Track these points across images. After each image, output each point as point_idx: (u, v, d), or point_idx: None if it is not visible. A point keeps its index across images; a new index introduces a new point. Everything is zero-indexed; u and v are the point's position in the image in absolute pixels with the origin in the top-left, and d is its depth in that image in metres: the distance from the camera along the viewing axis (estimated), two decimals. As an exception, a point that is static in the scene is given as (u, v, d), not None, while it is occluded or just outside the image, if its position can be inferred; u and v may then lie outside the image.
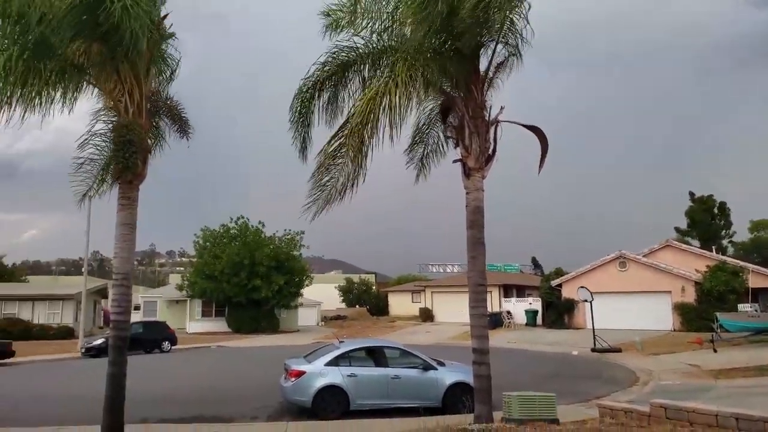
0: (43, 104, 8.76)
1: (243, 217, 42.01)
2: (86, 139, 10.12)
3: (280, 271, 39.65)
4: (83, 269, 34.05)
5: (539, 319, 38.96)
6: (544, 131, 10.35)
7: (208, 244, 41.08)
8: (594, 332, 24.80)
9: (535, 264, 68.11)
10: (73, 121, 11.89)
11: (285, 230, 42.63)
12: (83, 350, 26.97)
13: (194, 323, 42.06)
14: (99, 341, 26.41)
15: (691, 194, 54.82)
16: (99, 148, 10.26)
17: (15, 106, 8.42)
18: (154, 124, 10.53)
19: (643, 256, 36.61)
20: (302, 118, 10.50)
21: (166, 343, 29.42)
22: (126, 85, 9.21)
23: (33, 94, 8.54)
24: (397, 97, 8.46)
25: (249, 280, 38.48)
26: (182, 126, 10.81)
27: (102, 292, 45.93)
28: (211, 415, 12.04)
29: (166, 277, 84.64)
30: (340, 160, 9.59)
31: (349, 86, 10.40)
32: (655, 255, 37.02)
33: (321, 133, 10.57)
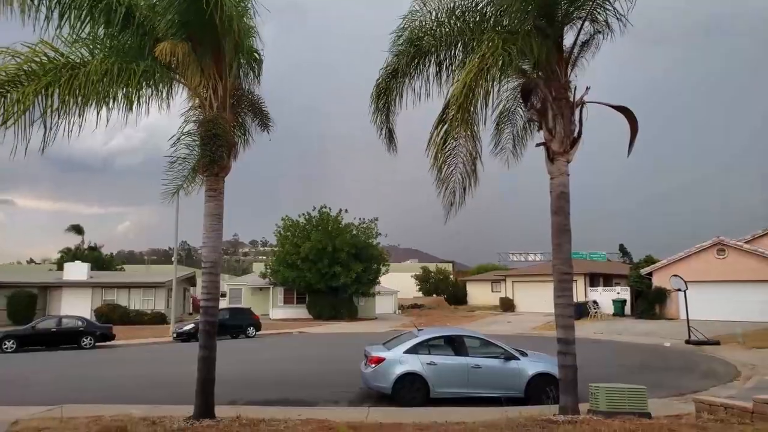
0: (135, 103, 9.25)
1: (325, 207, 42.92)
2: (178, 138, 10.64)
3: (358, 259, 40.31)
4: (173, 258, 36.03)
5: (627, 309, 37.42)
6: (634, 112, 9.80)
7: (288, 233, 42.28)
8: (689, 323, 23.43)
9: (623, 252, 65.23)
10: (161, 120, 12.56)
11: (360, 219, 43.28)
12: (174, 335, 28.42)
13: (276, 310, 43.56)
14: (189, 327, 27.90)
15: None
16: (190, 147, 10.77)
17: (112, 106, 8.94)
18: (237, 118, 10.90)
19: (745, 242, 34.03)
20: (384, 107, 10.50)
21: (251, 328, 30.49)
22: (210, 81, 9.58)
23: (127, 94, 9.04)
24: (490, 77, 8.23)
25: (329, 268, 39.33)
26: (263, 119, 11.11)
27: (190, 280, 48.52)
28: (295, 398, 12.39)
29: (250, 265, 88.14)
30: (453, 142, 9.49)
31: (425, 72, 10.28)
32: (760, 241, 34.30)
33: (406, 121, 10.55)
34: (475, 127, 9.20)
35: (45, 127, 7.95)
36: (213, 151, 9.42)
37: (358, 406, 11.58)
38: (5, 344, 23.77)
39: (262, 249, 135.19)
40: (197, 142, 10.35)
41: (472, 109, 8.43)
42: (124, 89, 8.84)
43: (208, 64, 9.47)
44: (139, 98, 9.20)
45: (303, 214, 42.95)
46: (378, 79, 10.57)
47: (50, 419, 9.47)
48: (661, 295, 34.46)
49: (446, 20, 9.91)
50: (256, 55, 10.55)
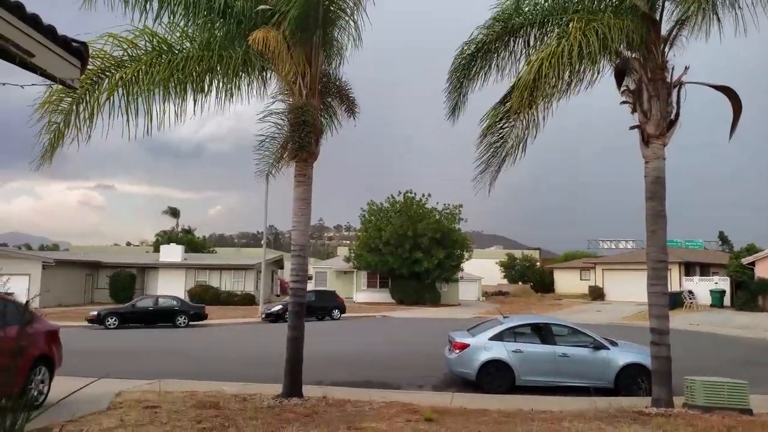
0: (230, 91, 9.74)
1: (410, 191, 43.14)
2: (265, 116, 11.09)
3: (441, 244, 40.23)
4: (262, 242, 37.55)
5: (726, 300, 35.26)
6: (737, 92, 9.18)
7: (373, 218, 42.85)
8: (797, 317, 21.70)
9: (723, 239, 61.04)
10: (249, 107, 13.12)
11: (444, 204, 43.11)
12: (263, 315, 29.58)
13: (360, 293, 44.46)
14: (277, 308, 28.97)
15: None
16: (278, 126, 11.19)
17: (207, 92, 9.46)
18: (325, 104, 11.19)
19: None
20: (460, 81, 10.45)
21: (336, 311, 31.26)
22: (299, 67, 9.84)
23: (224, 81, 9.55)
24: (573, 55, 8.00)
25: (411, 253, 39.55)
26: (350, 106, 11.30)
27: (278, 263, 50.38)
28: (379, 380, 12.64)
29: (335, 249, 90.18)
30: (509, 122, 9.46)
31: (513, 50, 10.10)
32: None
33: (477, 101, 10.48)
34: (537, 113, 9.04)
35: (147, 112, 8.55)
36: (302, 138, 9.67)
37: (442, 391, 11.66)
38: (108, 321, 25.74)
39: (346, 233, 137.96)
40: (285, 122, 10.77)
41: (536, 94, 8.29)
42: (220, 76, 9.35)
43: (299, 52, 9.69)
44: (233, 85, 9.70)
45: (388, 198, 43.38)
46: (460, 50, 10.47)
47: (150, 392, 10.12)
48: (765, 286, 32.25)
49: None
50: (351, 40, 10.73)
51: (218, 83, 9.44)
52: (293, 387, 9.75)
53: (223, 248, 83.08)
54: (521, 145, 9.97)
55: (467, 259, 43.94)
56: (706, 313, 32.02)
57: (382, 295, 43.28)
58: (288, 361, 9.84)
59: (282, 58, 9.07)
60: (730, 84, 9.26)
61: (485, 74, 10.36)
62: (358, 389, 11.20)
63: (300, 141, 9.73)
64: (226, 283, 42.40)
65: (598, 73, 9.53)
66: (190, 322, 27.08)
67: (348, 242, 70.65)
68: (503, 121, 10.00)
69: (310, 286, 45.02)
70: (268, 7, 8.89)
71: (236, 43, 9.40)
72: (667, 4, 9.09)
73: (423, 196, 42.68)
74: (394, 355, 17.30)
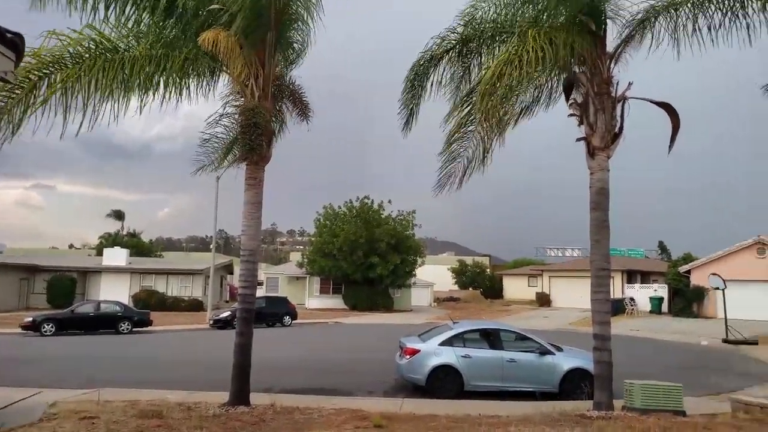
0: (177, 90, 9.54)
1: (367, 197, 43.16)
2: (216, 120, 10.92)
3: (395, 250, 40.44)
4: (211, 246, 36.77)
5: (665, 307, 36.77)
6: (676, 108, 9.64)
7: (328, 222, 42.65)
8: (726, 322, 22.86)
9: (662, 249, 63.78)
10: (200, 108, 12.89)
11: (399, 211, 43.36)
12: (211, 322, 28.92)
13: (312, 299, 44.10)
14: (225, 314, 28.30)
15: None
16: (226, 127, 11.04)
17: (154, 92, 9.24)
18: (277, 107, 11.08)
19: (788, 241, 32.98)
20: (414, 91, 10.59)
21: (287, 317, 30.81)
22: (252, 69, 9.73)
23: (170, 81, 9.34)
24: (527, 65, 8.22)
25: (366, 258, 39.54)
26: (303, 109, 11.23)
27: (228, 268, 49.45)
28: (330, 387, 12.59)
29: (287, 254, 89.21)
30: (470, 127, 9.61)
31: (468, 62, 10.31)
32: (804, 241, 33.23)
33: (431, 111, 10.63)
34: (494, 119, 9.27)
35: (85, 109, 8.28)
36: (252, 140, 9.56)
37: (393, 396, 11.69)
38: (44, 327, 24.39)
39: (299, 238, 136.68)
40: (235, 125, 10.63)
41: (494, 99, 8.48)
42: (167, 76, 9.15)
43: (251, 53, 9.61)
44: (181, 85, 9.52)
45: (346, 203, 43.28)
46: (415, 62, 10.60)
47: (87, 402, 9.71)
48: (699, 293, 33.79)
49: (494, 13, 9.90)
50: (302, 43, 10.69)
51: (166, 83, 9.24)
52: (240, 395, 9.59)
53: (171, 252, 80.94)
54: (484, 155, 10.11)
55: (420, 265, 44.27)
56: (645, 319, 33.29)
57: (335, 301, 43.07)
58: (235, 368, 9.68)
59: (233, 59, 8.94)
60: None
61: (440, 85, 10.54)
62: (308, 396, 11.12)
63: (251, 143, 9.61)
64: (173, 288, 41.29)
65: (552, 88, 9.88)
66: (134, 329, 26.19)
67: (301, 247, 70.00)
68: (460, 135, 10.13)
69: (261, 291, 44.36)
70: (218, 6, 8.76)
71: (184, 43, 9.22)
72: (609, 22, 9.46)
73: (381, 202, 42.84)
74: (346, 361, 17.24)
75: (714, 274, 26.18)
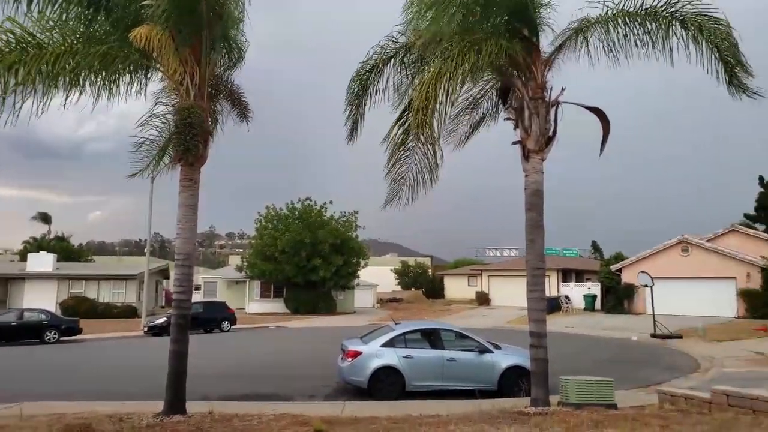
0: (105, 88, 9.14)
1: (309, 199, 42.70)
2: (147, 120, 10.52)
3: (338, 252, 40.23)
4: (146, 250, 35.46)
5: (598, 304, 38.18)
6: (607, 113, 10.05)
7: (269, 224, 41.97)
8: (654, 318, 24.02)
9: (595, 248, 66.41)
10: (135, 106, 12.42)
11: (341, 212, 43.20)
12: (146, 329, 27.97)
13: (253, 304, 43.29)
14: (161, 320, 27.46)
15: (761, 178, 52.05)
16: (158, 129, 10.66)
17: (81, 90, 8.81)
18: (214, 107, 10.80)
19: (707, 241, 35.10)
20: (357, 101, 10.59)
21: (226, 322, 30.21)
22: (187, 67, 9.44)
23: (98, 78, 8.93)
24: (458, 76, 8.35)
25: (309, 260, 39.14)
26: (242, 110, 11.00)
27: (164, 273, 47.86)
28: (270, 392, 12.38)
29: (226, 258, 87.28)
30: (410, 144, 9.69)
31: (406, 70, 10.38)
32: (720, 240, 35.48)
33: (377, 118, 10.65)
34: (434, 131, 9.39)
35: (3, 105, 7.84)
36: (188, 140, 9.28)
37: (334, 400, 11.63)
38: (-40, 339, 22.82)
39: (239, 241, 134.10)
40: (168, 125, 10.30)
41: (430, 113, 8.60)
42: (95, 74, 8.76)
43: (187, 51, 9.35)
44: (111, 83, 9.13)
45: (287, 204, 42.68)
46: (356, 72, 10.60)
47: (9, 417, 9.17)
48: (630, 290, 35.23)
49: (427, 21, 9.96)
50: (239, 43, 10.46)
51: (93, 81, 8.82)
52: (176, 403, 9.28)
53: (103, 257, 77.57)
54: (430, 170, 10.20)
55: (364, 267, 44.24)
56: (580, 317, 34.53)
57: (277, 305, 42.43)
58: (170, 375, 9.36)
59: (167, 57, 8.65)
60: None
61: (382, 95, 10.58)
62: (247, 403, 10.93)
63: (186, 144, 9.33)
64: (105, 294, 39.48)
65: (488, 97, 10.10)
66: (62, 338, 24.90)
67: (241, 250, 68.63)
68: (402, 149, 10.18)
69: (199, 296, 43.23)
70: (150, 2, 8.44)
71: (115, 40, 8.83)
72: (543, 30, 9.74)
73: (324, 203, 42.54)
74: (287, 365, 17.01)
75: (643, 272, 27.47)
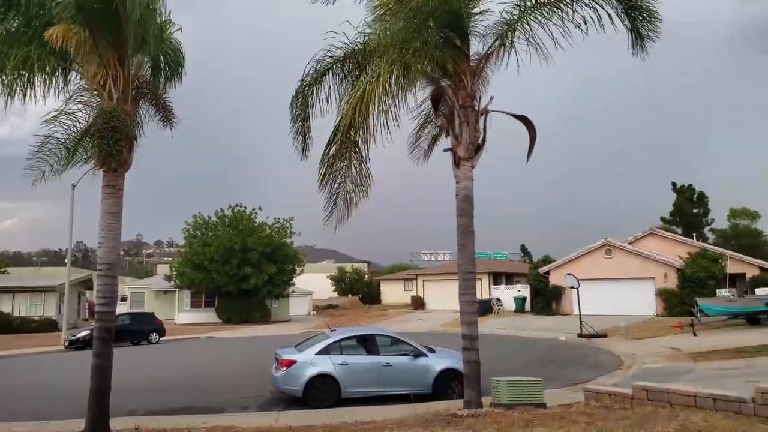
0: (18, 90, 8.65)
1: (240, 205, 41.76)
2: (54, 118, 9.95)
3: (271, 259, 39.52)
4: (66, 260, 33.59)
5: (528, 306, 39.34)
6: (533, 121, 10.41)
7: (198, 233, 40.76)
8: (581, 318, 25.06)
9: (524, 251, 68.64)
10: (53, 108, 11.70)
11: (275, 218, 42.56)
12: (67, 343, 26.72)
13: (183, 314, 41.90)
14: (83, 333, 26.24)
15: (674, 184, 55.86)
16: (66, 127, 10.15)
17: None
18: (137, 111, 10.39)
19: (629, 243, 36.98)
20: (301, 115, 10.46)
21: (154, 334, 29.26)
22: (109, 69, 9.05)
23: (9, 80, 8.44)
24: (390, 89, 8.44)
25: (239, 269, 38.28)
26: (166, 115, 10.63)
27: (87, 284, 45.50)
28: (201, 405, 12.03)
29: (154, 267, 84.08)
30: (342, 163, 9.70)
31: (345, 81, 10.38)
32: (640, 243, 37.46)
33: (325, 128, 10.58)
34: (364, 150, 9.47)
35: None
36: (111, 145, 8.86)
37: (268, 410, 11.43)
38: None
39: (168, 250, 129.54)
40: (77, 124, 9.84)
41: (359, 130, 8.67)
42: (8, 74, 8.27)
43: (108, 53, 8.96)
44: (25, 85, 8.64)
45: (216, 211, 41.59)
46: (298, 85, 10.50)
47: None
48: (557, 292, 36.54)
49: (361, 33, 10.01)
50: (168, 48, 10.15)
51: (4, 81, 8.31)
52: (98, 421, 8.80)
53: (19, 268, 72.76)
54: (361, 186, 10.24)
55: (299, 274, 43.73)
56: (511, 318, 35.55)
57: (208, 315, 41.23)
58: (92, 392, 8.85)
59: (87, 58, 8.26)
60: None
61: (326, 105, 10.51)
62: (177, 416, 10.60)
63: (109, 149, 8.90)
64: (21, 308, 36.99)
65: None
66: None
67: (170, 259, 66.24)
68: (335, 164, 10.16)
69: (125, 307, 41.47)
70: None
71: (30, 39, 8.35)
72: (473, 39, 10.01)
73: (253, 209, 41.74)
74: (219, 376, 16.56)
75: (569, 274, 28.65)
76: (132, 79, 9.52)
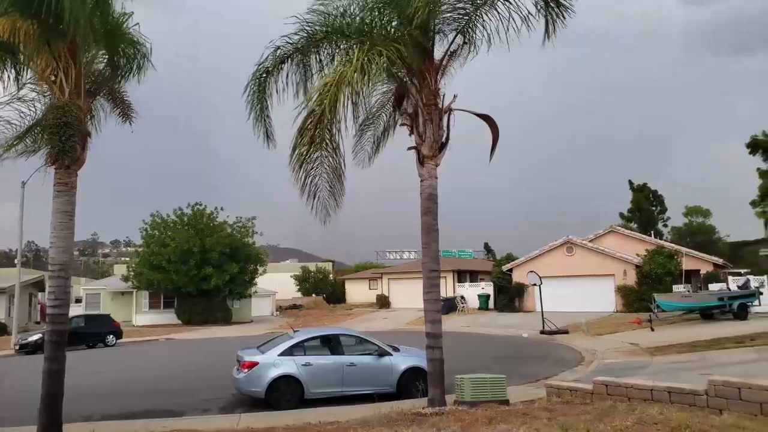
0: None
1: (199, 203, 40.92)
2: (8, 101, 9.59)
3: (233, 259, 38.84)
4: (17, 261, 32.40)
5: (491, 303, 39.69)
6: (496, 120, 10.47)
7: (156, 232, 39.80)
8: (543, 315, 25.44)
9: (488, 249, 69.40)
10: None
11: (237, 217, 41.87)
12: (17, 347, 25.79)
13: (141, 316, 40.84)
14: (35, 337, 25.36)
15: (630, 183, 57.41)
16: (22, 113, 9.79)
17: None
18: (92, 105, 10.03)
19: (589, 241, 37.74)
20: (260, 104, 10.24)
21: (111, 336, 28.50)
22: (61, 63, 8.71)
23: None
24: (359, 82, 8.34)
25: (199, 269, 37.54)
26: (125, 110, 10.34)
27: (39, 285, 43.94)
28: (161, 409, 11.74)
29: (111, 267, 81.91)
30: (316, 153, 9.53)
31: (307, 71, 10.21)
32: (600, 240, 38.28)
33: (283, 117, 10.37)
34: (339, 137, 9.35)
35: None
36: (63, 141, 8.56)
37: (230, 413, 11.24)
38: None
39: (125, 249, 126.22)
40: (34, 114, 9.47)
41: (333, 119, 8.56)
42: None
43: (59, 46, 8.62)
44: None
45: (175, 210, 40.65)
46: (255, 71, 10.24)
47: None
48: (520, 289, 37.04)
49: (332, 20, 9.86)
50: (127, 42, 9.79)
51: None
52: (51, 427, 8.50)
53: (-34, 269, 69.82)
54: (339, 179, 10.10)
55: (261, 274, 43.14)
56: (475, 316, 35.88)
57: (167, 316, 40.27)
58: (44, 398, 8.54)
59: (36, 52, 7.91)
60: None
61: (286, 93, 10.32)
62: (135, 421, 10.33)
63: (62, 145, 8.59)
64: (-33, 311, 35.56)
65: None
66: None
67: (127, 259, 64.53)
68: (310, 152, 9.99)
69: (81, 309, 40.19)
70: None
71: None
72: (437, 36, 10.00)
73: (215, 208, 40.98)
74: (178, 379, 16.19)
75: (531, 271, 29.06)
76: (86, 73, 9.18)
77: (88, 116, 9.72)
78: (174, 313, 40.26)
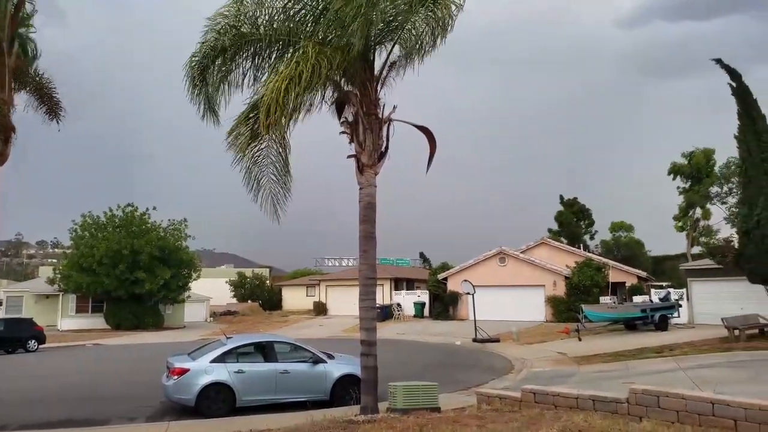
0: None
1: (131, 205, 39.45)
2: None
3: (165, 263, 37.68)
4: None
5: (427, 311, 40.16)
6: (434, 132, 10.73)
7: (86, 233, 38.09)
8: (476, 323, 26.00)
9: (424, 258, 70.18)
10: None
11: (170, 220, 40.66)
12: None
13: (67, 320, 38.92)
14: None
15: (561, 197, 59.80)
16: None
17: None
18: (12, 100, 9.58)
19: (521, 252, 38.90)
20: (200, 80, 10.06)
21: (33, 341, 27.09)
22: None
23: None
24: (313, 79, 8.42)
25: (131, 273, 36.20)
26: (52, 107, 9.93)
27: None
28: (83, 417, 11.28)
29: (36, 269, 77.54)
30: (263, 145, 9.46)
31: (241, 68, 10.13)
32: (532, 251, 39.55)
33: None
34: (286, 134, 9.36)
35: None
36: None
37: (158, 421, 10.91)
38: None
39: (52, 251, 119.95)
40: None
41: (282, 114, 8.57)
42: None
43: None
44: None
45: (106, 212, 39.04)
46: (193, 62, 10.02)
47: None
48: (454, 298, 37.71)
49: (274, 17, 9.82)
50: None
51: None
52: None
53: None
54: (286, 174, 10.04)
55: (195, 279, 42.01)
56: (411, 323, 36.25)
57: (96, 321, 38.58)
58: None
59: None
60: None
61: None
62: (56, 430, 9.91)
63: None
64: None
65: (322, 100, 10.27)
66: None
67: (55, 261, 61.33)
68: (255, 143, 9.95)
69: (1, 313, 37.95)
70: None
71: None
72: (377, 47, 10.18)
73: (146, 209, 39.64)
74: (104, 386, 15.55)
75: (466, 280, 29.69)
76: (11, 68, 8.78)
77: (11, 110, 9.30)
78: (103, 317, 38.65)
